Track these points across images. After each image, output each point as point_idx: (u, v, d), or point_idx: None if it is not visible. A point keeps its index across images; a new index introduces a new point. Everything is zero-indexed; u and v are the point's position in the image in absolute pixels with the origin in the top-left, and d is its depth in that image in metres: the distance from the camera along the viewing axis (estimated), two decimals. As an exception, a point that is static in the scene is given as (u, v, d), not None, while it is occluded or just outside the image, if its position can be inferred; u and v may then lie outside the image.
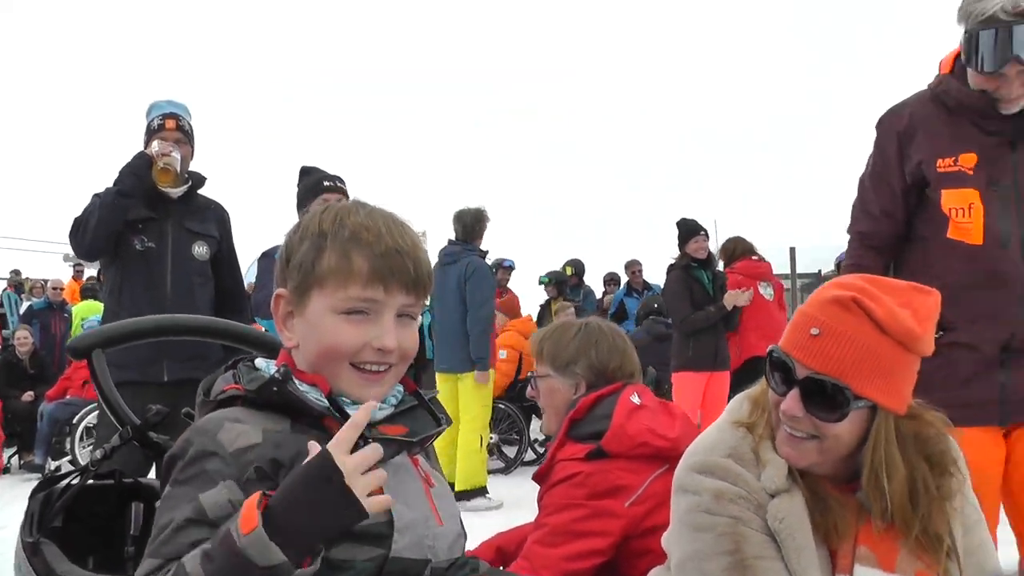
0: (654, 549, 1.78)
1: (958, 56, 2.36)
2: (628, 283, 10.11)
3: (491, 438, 6.96)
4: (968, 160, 2.29)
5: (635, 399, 2.20)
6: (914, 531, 1.43)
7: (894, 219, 2.42)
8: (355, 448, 1.17)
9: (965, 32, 2.19)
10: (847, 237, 2.62)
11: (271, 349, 1.55)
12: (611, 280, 10.91)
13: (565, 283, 9.76)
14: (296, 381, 1.22)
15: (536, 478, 2.27)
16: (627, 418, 2.12)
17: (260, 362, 1.30)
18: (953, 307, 2.28)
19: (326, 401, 1.21)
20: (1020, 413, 2.39)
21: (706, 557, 1.46)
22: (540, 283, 9.90)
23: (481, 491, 5.88)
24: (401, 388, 1.34)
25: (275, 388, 1.19)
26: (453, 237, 6.20)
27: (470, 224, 6.13)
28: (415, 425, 1.31)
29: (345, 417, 1.19)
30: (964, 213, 2.28)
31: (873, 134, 2.54)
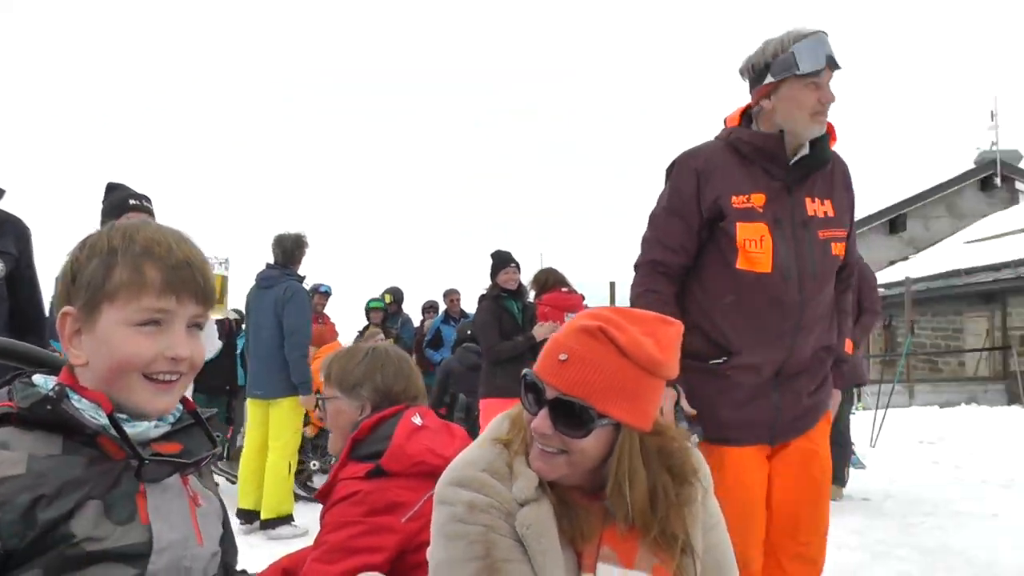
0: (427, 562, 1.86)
1: (744, 112, 2.65)
2: (446, 311, 10.19)
3: (315, 466, 6.89)
4: (758, 199, 2.53)
5: (416, 420, 2.27)
6: (653, 531, 1.56)
7: (687, 251, 2.60)
8: (138, 469, 1.20)
9: (782, 54, 2.47)
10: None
11: (50, 366, 1.53)
12: (429, 307, 10.95)
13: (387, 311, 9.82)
14: (75, 398, 1.22)
15: (319, 497, 2.31)
16: (407, 438, 2.19)
17: (38, 378, 1.30)
18: (739, 332, 2.53)
19: (104, 419, 1.22)
20: (786, 434, 2.64)
21: (459, 563, 1.54)
22: (371, 307, 9.86)
23: (287, 519, 5.78)
24: (180, 406, 1.36)
25: (49, 406, 1.19)
26: (272, 261, 6.12)
27: (290, 249, 6.08)
28: (191, 444, 1.33)
29: (123, 435, 1.21)
30: (757, 244, 2.50)
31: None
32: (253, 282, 6.16)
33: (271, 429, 5.90)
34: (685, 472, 1.64)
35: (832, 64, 2.48)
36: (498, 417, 1.74)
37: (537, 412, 1.55)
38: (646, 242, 2.68)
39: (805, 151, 2.57)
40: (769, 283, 2.51)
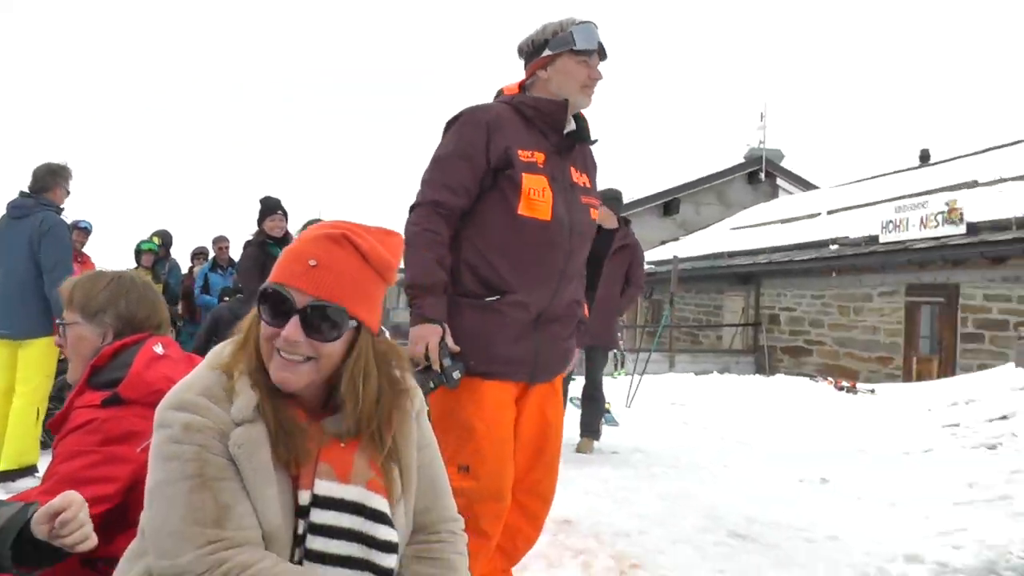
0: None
1: (521, 87, 2.86)
2: (214, 258, 9.91)
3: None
4: (540, 157, 2.73)
5: (158, 349, 2.23)
6: (372, 427, 1.63)
7: (469, 195, 2.72)
8: None
9: (561, 33, 2.74)
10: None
11: None
12: (199, 254, 10.63)
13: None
14: None
15: (51, 426, 2.23)
16: (146, 366, 2.15)
17: None
18: (514, 273, 2.70)
19: None
20: (542, 375, 2.83)
21: (172, 483, 1.54)
22: (142, 249, 9.41)
23: (30, 470, 5.36)
24: None
25: None
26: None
27: (40, 176, 5.53)
28: None
29: None
30: (540, 194, 2.69)
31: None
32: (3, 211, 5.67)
33: (20, 372, 5.43)
34: (401, 386, 1.73)
35: (602, 51, 2.77)
36: (219, 345, 1.74)
37: (286, 322, 1.57)
38: (428, 183, 2.76)
39: (572, 126, 2.82)
40: (547, 230, 2.71)
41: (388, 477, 1.65)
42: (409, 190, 2.86)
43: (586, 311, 3.08)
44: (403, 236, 2.67)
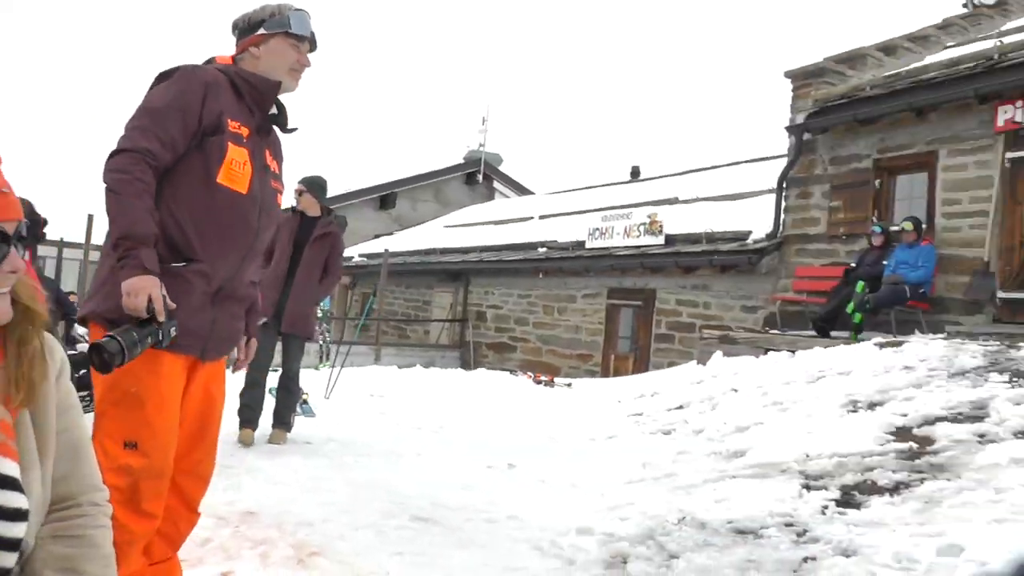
0: None
1: (232, 60, 2.87)
2: None
3: None
4: (245, 131, 2.74)
5: None
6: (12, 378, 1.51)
7: (175, 151, 2.63)
8: None
9: (277, 15, 2.80)
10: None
11: None
12: None
13: None
14: None
15: None
16: None
17: None
18: (204, 241, 2.64)
19: None
20: (213, 352, 2.74)
21: None
22: None
23: None
24: None
25: None
26: None
27: None
28: None
29: None
30: (240, 166, 2.69)
31: None
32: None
33: None
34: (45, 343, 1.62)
35: (313, 41, 2.89)
36: None
37: (7, 252, 1.49)
38: (139, 130, 2.60)
39: (274, 111, 2.88)
40: (241, 202, 2.70)
41: (22, 440, 1.51)
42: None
43: (260, 298, 3.07)
44: (106, 182, 2.53)
